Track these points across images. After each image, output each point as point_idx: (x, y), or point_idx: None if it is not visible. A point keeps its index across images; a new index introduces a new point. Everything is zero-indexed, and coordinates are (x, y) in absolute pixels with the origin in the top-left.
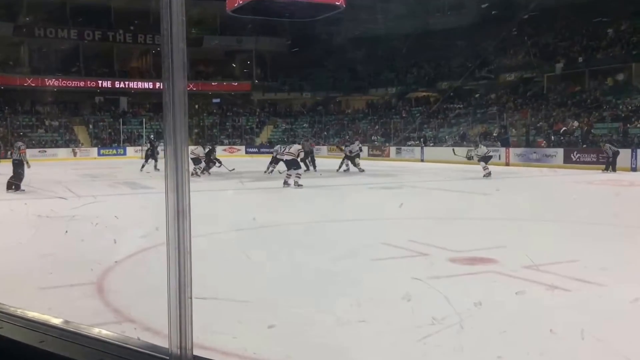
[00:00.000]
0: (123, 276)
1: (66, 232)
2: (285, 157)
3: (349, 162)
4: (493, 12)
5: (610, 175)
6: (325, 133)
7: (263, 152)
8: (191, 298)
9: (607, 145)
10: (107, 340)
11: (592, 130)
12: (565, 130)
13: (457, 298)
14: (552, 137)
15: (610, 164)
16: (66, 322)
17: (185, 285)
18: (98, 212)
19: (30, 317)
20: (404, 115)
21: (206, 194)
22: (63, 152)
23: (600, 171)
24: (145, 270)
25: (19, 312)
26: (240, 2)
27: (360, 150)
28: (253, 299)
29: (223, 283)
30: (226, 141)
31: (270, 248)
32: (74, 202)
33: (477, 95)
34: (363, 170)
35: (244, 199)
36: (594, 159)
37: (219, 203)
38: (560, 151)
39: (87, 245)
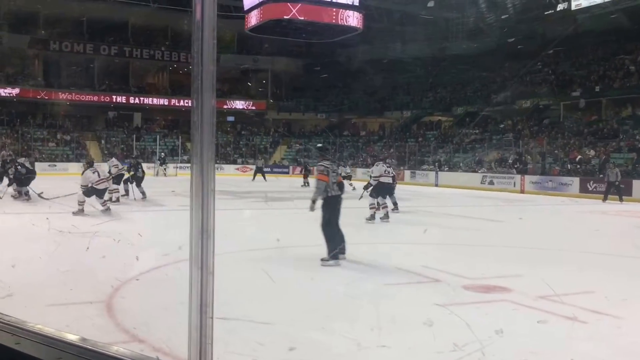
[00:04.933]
0: (142, 294)
1: (87, 248)
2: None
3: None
4: (519, 47)
5: (624, 206)
6: (339, 154)
7: (275, 172)
8: (212, 318)
9: (617, 169)
10: (125, 358)
11: (610, 160)
12: (581, 159)
13: (477, 325)
14: (569, 166)
15: (615, 192)
16: (83, 339)
17: (207, 305)
18: (120, 229)
19: (47, 334)
20: (419, 139)
21: (225, 212)
22: (74, 167)
23: (601, 201)
24: (165, 289)
25: (36, 328)
26: (259, 21)
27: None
28: (274, 320)
29: (243, 303)
30: (239, 160)
31: (288, 269)
32: (96, 219)
33: (502, 126)
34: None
35: (263, 219)
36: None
37: (239, 221)
38: (576, 180)
39: (108, 262)
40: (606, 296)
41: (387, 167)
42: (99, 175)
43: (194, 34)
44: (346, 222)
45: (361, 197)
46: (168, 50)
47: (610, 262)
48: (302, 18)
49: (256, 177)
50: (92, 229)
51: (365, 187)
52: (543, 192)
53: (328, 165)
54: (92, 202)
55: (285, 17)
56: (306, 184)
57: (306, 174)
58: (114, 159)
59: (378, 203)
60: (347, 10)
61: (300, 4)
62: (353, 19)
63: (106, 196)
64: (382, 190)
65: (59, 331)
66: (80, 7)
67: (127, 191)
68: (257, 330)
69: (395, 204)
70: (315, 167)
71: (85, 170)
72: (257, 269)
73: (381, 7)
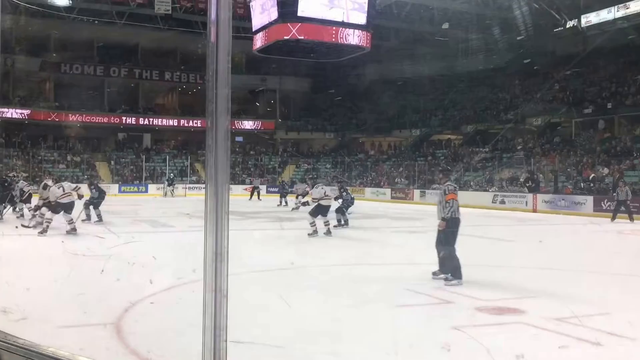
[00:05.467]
0: (156, 317)
1: (102, 271)
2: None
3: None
4: (535, 68)
5: (638, 226)
6: (348, 174)
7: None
8: (226, 341)
9: (627, 187)
10: None
11: (624, 179)
12: (594, 177)
13: (496, 350)
14: (582, 184)
15: (625, 211)
16: None
17: (221, 328)
18: (133, 251)
19: (61, 357)
20: (429, 158)
21: (234, 232)
22: (83, 188)
23: (610, 220)
24: (178, 312)
25: (49, 351)
26: (267, 42)
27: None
28: (287, 343)
29: (256, 325)
30: (247, 180)
31: (301, 291)
32: (110, 241)
33: (519, 147)
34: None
35: (273, 239)
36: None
37: (249, 242)
38: (590, 199)
39: (122, 284)
40: (629, 320)
41: (328, 189)
42: (63, 189)
43: (209, 57)
44: (356, 242)
45: (293, 209)
46: (177, 72)
47: (628, 282)
48: (302, 37)
49: (252, 197)
50: (107, 251)
51: (304, 204)
52: (556, 211)
53: (456, 185)
54: (101, 225)
55: (285, 37)
56: (283, 204)
57: (283, 193)
58: (22, 180)
59: (339, 221)
60: (348, 29)
61: (299, 24)
62: (354, 38)
63: (73, 214)
64: (321, 211)
65: (73, 354)
66: (91, 31)
67: (88, 215)
68: (270, 353)
69: (346, 220)
70: (445, 187)
71: (50, 186)
72: (270, 290)
73: (389, 27)
